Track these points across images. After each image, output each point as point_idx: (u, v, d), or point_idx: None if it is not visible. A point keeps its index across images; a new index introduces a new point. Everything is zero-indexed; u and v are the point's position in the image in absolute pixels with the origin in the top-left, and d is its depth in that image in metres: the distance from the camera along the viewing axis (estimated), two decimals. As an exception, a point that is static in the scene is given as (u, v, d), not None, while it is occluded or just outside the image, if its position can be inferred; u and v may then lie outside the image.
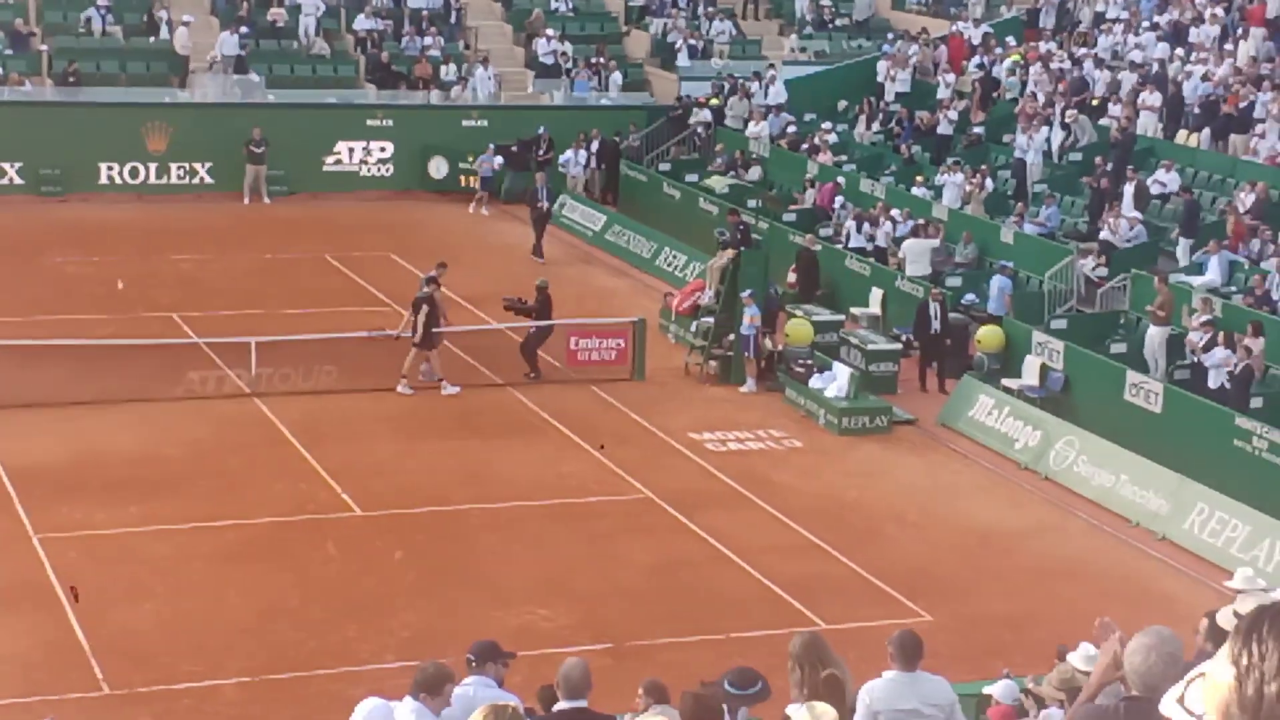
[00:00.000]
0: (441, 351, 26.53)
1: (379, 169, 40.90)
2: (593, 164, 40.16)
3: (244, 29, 42.54)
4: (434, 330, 26.06)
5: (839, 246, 32.33)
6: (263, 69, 42.02)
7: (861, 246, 32.12)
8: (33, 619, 17.86)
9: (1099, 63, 37.84)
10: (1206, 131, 33.44)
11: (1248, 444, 22.07)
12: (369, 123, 40.82)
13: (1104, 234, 30.15)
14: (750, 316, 26.73)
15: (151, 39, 42.31)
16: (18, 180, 38.27)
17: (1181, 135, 34.20)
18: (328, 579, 19.38)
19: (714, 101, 41.74)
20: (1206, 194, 31.94)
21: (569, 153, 39.47)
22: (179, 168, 39.34)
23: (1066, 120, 34.96)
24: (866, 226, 32.44)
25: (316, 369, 26.34)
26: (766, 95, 40.98)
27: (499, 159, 39.40)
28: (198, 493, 21.60)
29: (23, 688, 16.12)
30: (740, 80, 41.93)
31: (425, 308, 26.04)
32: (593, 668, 12.69)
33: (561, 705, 9.78)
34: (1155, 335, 25.98)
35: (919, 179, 34.81)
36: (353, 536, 20.62)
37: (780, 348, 27.27)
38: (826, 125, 38.87)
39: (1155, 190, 31.43)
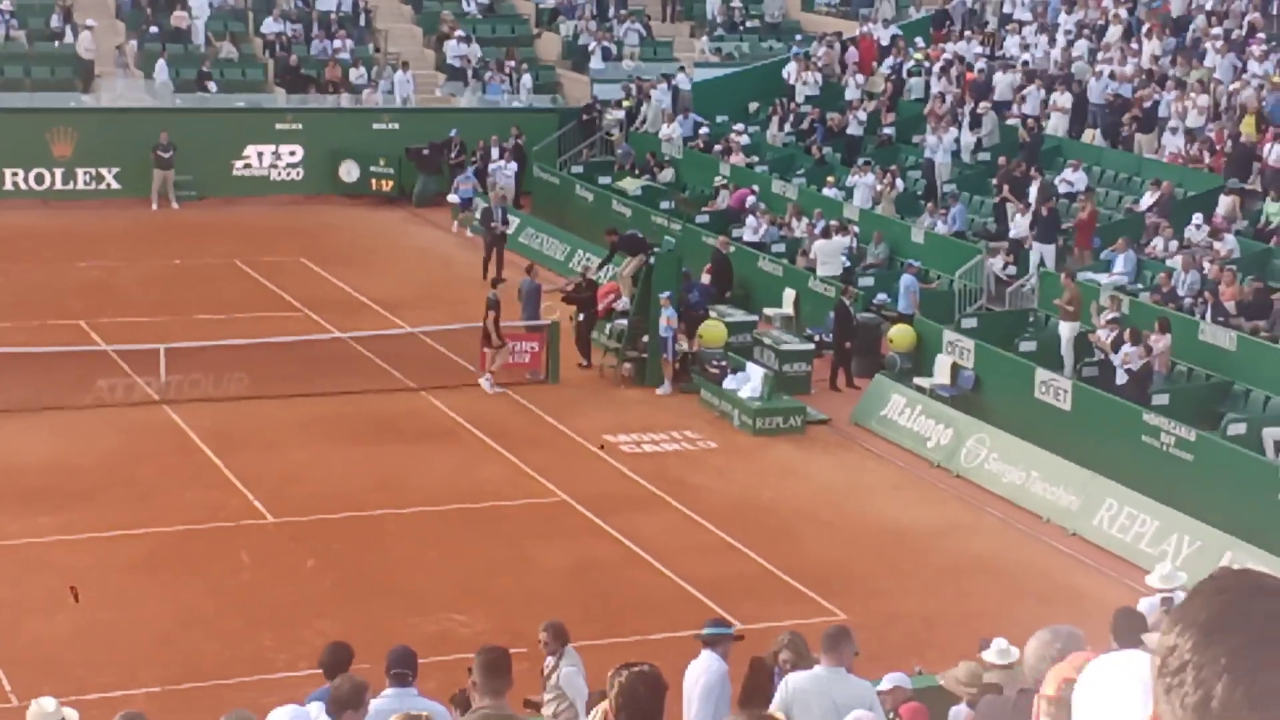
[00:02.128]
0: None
1: (289, 173, 40.64)
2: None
3: (153, 29, 42.19)
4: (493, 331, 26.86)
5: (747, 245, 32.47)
6: (170, 73, 41.63)
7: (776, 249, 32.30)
8: (-59, 632, 17.62)
9: (1006, 64, 38.22)
10: (1104, 131, 33.88)
11: (1155, 440, 22.37)
12: (278, 126, 40.55)
13: (1012, 232, 30.46)
14: (667, 318, 26.78)
15: (56, 44, 41.83)
16: (-79, 187, 37.73)
17: (1088, 135, 34.62)
18: (241, 587, 19.24)
19: (626, 103, 41.79)
20: (1112, 193, 32.35)
21: (499, 162, 38.50)
22: (85, 173, 38.92)
23: (979, 114, 35.29)
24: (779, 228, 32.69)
25: (227, 376, 26.15)
26: (675, 98, 41.06)
27: (474, 179, 38.08)
28: (109, 502, 21.39)
29: (-69, 702, 15.90)
30: (646, 83, 41.97)
31: (493, 312, 26.66)
32: (516, 671, 12.72)
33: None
34: (1065, 331, 26.28)
35: (830, 180, 35.02)
36: (266, 544, 20.48)
37: (694, 349, 27.34)
38: (739, 128, 39.00)
39: (1062, 189, 31.77)
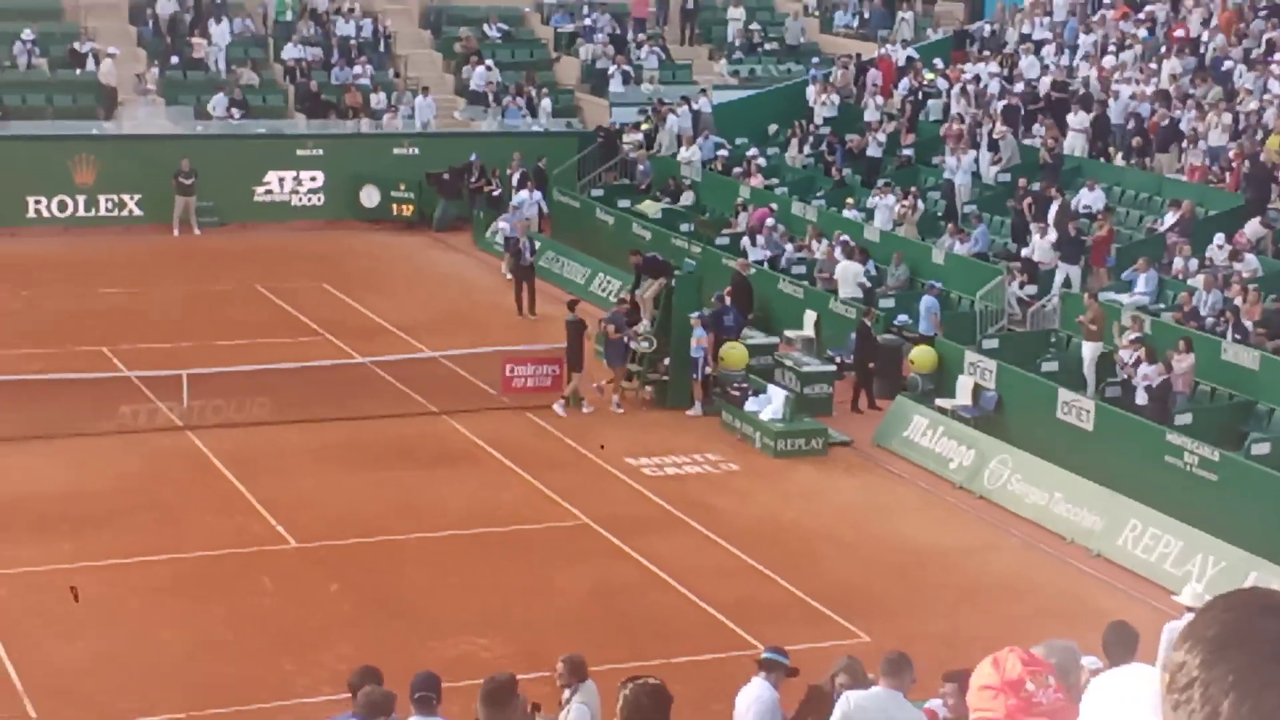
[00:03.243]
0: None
1: (310, 198, 40.74)
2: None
3: (174, 59, 42.39)
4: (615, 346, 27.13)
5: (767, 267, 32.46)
6: (191, 99, 41.80)
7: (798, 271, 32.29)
8: (-37, 659, 17.63)
9: (1027, 84, 38.18)
10: (1132, 150, 33.81)
11: (1179, 460, 22.27)
12: (299, 152, 40.65)
13: (1031, 252, 30.40)
14: (698, 339, 26.77)
15: (78, 71, 42.03)
16: (-56, 215, 37.90)
17: (1110, 154, 34.56)
18: (262, 612, 19.23)
19: (645, 126, 41.84)
20: (1134, 212, 32.27)
21: (522, 194, 37.69)
22: (107, 200, 39.05)
23: (995, 138, 35.27)
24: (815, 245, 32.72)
25: (249, 401, 26.18)
26: (696, 120, 41.11)
27: (515, 216, 36.15)
28: (130, 527, 21.40)
29: (-47, 729, 15.91)
30: (666, 105, 42.03)
31: (613, 326, 27.05)
32: (534, 696, 12.69)
33: None
34: (1087, 351, 26.20)
35: (850, 201, 35.00)
36: (287, 569, 20.47)
37: (715, 371, 27.31)
38: (753, 152, 39.01)
39: (1081, 210, 31.71)
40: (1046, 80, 37.71)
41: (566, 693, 12.82)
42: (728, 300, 30.22)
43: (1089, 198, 32.01)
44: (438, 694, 11.36)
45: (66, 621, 18.63)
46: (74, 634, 18.30)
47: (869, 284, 30.58)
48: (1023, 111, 36.47)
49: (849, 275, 30.53)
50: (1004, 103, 36.96)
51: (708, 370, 27.02)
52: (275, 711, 16.41)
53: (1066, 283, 29.11)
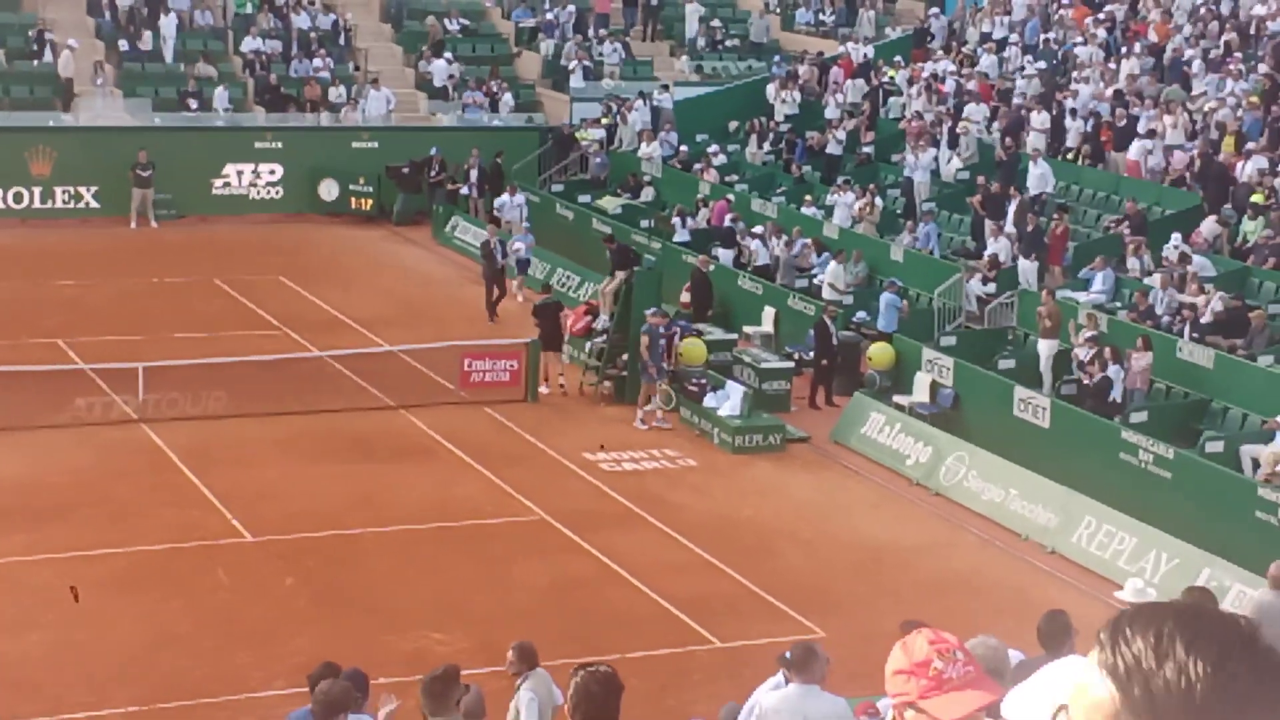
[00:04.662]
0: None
1: (269, 191, 40.59)
2: (474, 191, 39.65)
3: (130, 49, 42.15)
4: (649, 362, 26.09)
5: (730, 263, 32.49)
6: (148, 91, 41.58)
7: (765, 265, 32.28)
8: (-85, 651, 17.51)
9: (985, 82, 38.32)
10: (1088, 149, 33.97)
11: (1134, 457, 22.39)
12: (258, 145, 40.51)
13: (989, 250, 30.52)
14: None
15: (35, 63, 41.76)
16: (-102, 205, 37.61)
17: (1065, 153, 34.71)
18: (218, 606, 19.15)
19: (604, 121, 41.83)
20: (1090, 211, 32.42)
21: (504, 197, 37.12)
22: (64, 192, 38.81)
23: (958, 134, 35.39)
24: (774, 242, 32.59)
25: (205, 394, 26.06)
26: (656, 116, 41.12)
27: (530, 238, 34.82)
28: (85, 520, 21.29)
29: (-95, 722, 15.79)
30: (624, 101, 42.03)
31: (646, 339, 26.16)
32: (488, 691, 12.67)
33: None
34: (1044, 349, 26.31)
35: (808, 198, 35.06)
36: (243, 563, 20.40)
37: (673, 367, 27.32)
38: (714, 149, 39.03)
39: (1033, 192, 31.84)
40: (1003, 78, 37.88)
41: (518, 681, 12.82)
42: (684, 297, 30.36)
43: (1036, 175, 32.04)
44: (365, 691, 11.39)
45: (19, 614, 18.52)
46: (28, 626, 18.19)
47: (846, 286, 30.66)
48: (985, 110, 36.61)
49: (838, 276, 30.53)
50: (968, 102, 37.08)
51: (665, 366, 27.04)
52: (231, 705, 16.35)
53: (1027, 280, 29.21)
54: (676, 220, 34.59)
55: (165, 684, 16.94)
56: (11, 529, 20.87)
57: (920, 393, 26.38)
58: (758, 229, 33.39)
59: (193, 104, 41.21)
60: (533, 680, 12.68)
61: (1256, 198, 29.15)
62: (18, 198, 38.54)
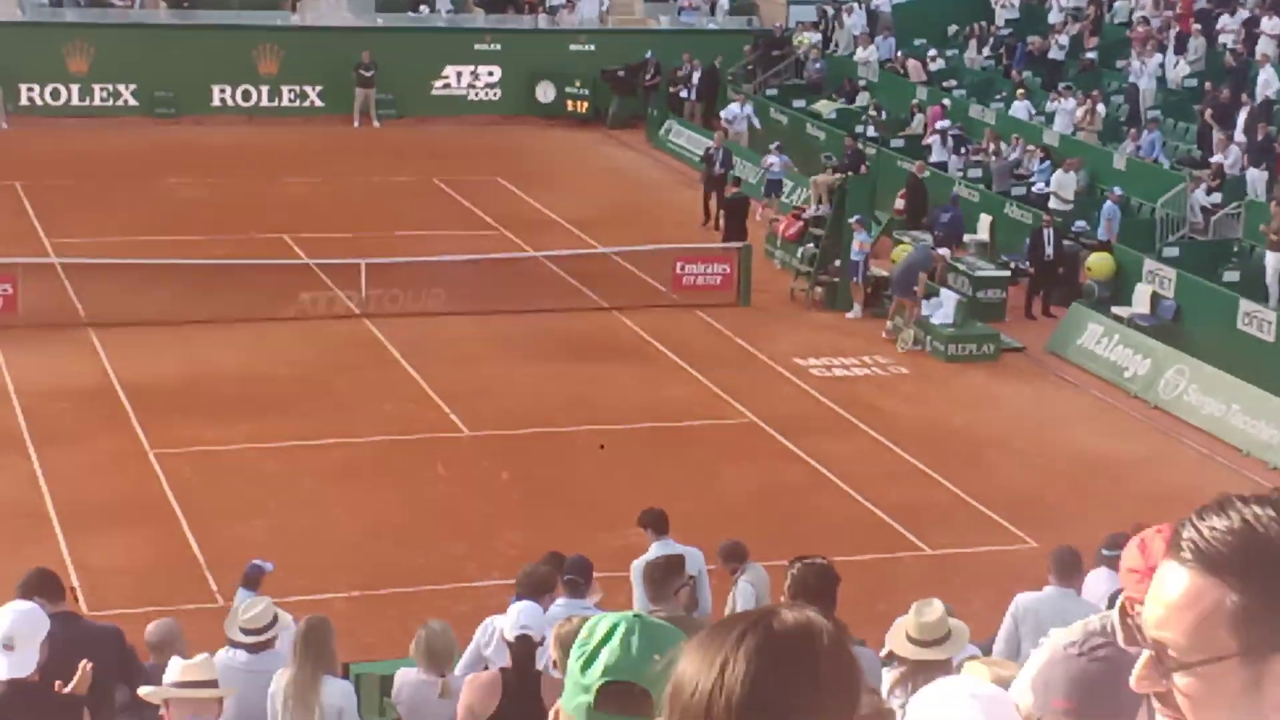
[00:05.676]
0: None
1: (486, 93, 41.00)
2: (694, 94, 39.46)
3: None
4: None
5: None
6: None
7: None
8: (149, 533, 18.24)
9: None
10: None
11: (1363, 375, 21.74)
12: (477, 47, 40.89)
13: (1216, 158, 29.67)
14: (860, 242, 26.61)
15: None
16: (132, 102, 38.77)
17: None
18: (435, 498, 19.62)
19: (819, 26, 41.37)
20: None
21: (734, 107, 36.68)
22: (290, 90, 39.65)
23: (1186, 37, 34.38)
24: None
25: (424, 291, 26.56)
26: (875, 20, 40.58)
27: (784, 157, 32.99)
28: (308, 412, 21.90)
29: (140, 598, 16.46)
30: (841, 4, 41.53)
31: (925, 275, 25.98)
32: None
33: None
34: (1271, 261, 25.58)
35: (1024, 100, 34.28)
36: (460, 457, 20.84)
37: (886, 274, 27.12)
38: (932, 53, 38.45)
39: (1264, 96, 30.85)
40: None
41: (735, 576, 13.00)
42: (898, 203, 30.04)
43: (1265, 82, 30.99)
44: (588, 579, 11.56)
45: (245, 501, 19.17)
46: (251, 513, 18.81)
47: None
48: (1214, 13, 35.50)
49: (1066, 185, 29.90)
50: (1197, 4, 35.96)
51: (874, 272, 26.86)
52: (447, 594, 16.76)
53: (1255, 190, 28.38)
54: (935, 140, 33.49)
55: (383, 571, 17.43)
56: (237, 418, 21.55)
57: (1140, 304, 25.86)
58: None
59: (421, 7, 41.71)
60: (750, 573, 12.86)
61: None
62: (245, 95, 39.46)
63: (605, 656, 2.55)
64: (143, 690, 8.22)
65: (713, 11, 43.25)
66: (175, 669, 8.08)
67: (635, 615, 2.64)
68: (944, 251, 27.42)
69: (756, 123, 36.60)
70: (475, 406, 22.30)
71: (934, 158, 32.65)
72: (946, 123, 33.92)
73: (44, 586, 9.38)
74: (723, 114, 36.97)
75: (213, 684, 8.12)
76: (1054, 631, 3.47)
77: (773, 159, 32.86)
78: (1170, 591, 2.18)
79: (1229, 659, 2.11)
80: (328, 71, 39.35)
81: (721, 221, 29.97)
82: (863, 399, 23.39)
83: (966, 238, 29.89)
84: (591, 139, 39.50)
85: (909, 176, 30.99)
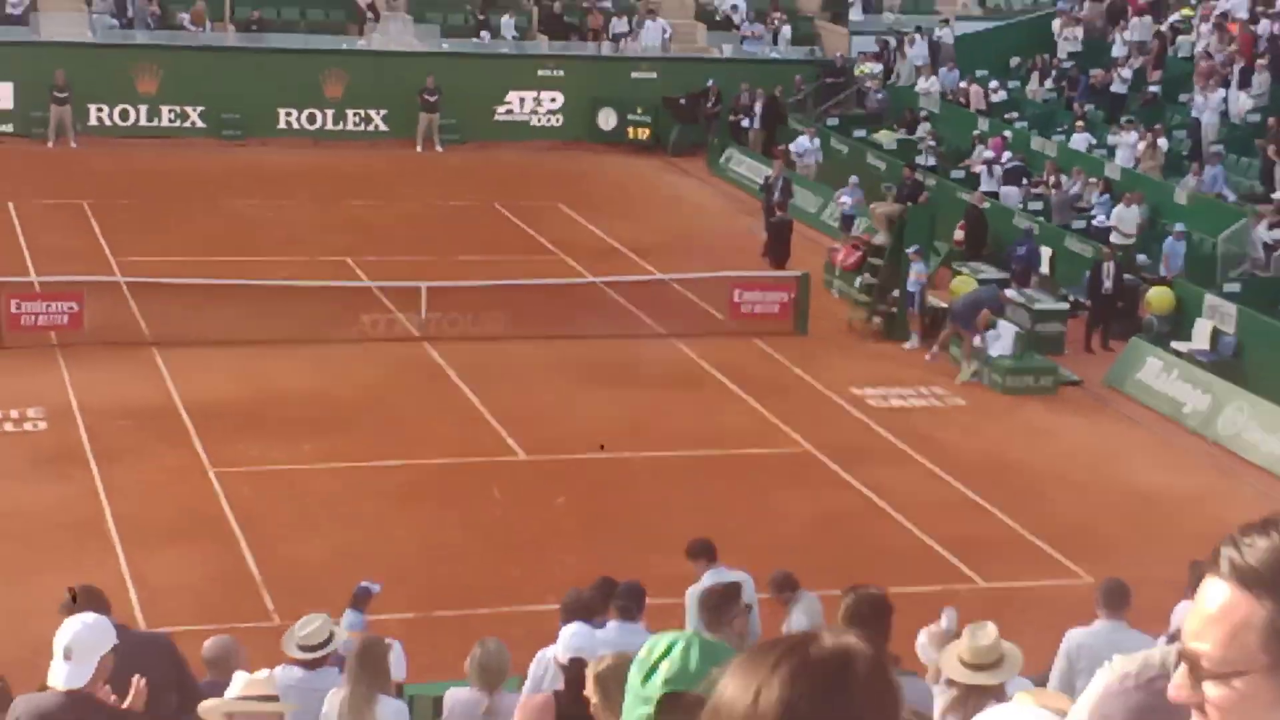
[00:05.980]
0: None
1: (549, 119, 41.25)
2: (756, 123, 39.59)
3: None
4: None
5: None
6: (437, 17, 42.53)
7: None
8: (208, 550, 18.44)
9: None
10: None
11: None
12: (540, 73, 41.16)
13: (1279, 194, 29.53)
14: (917, 273, 26.63)
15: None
16: (200, 124, 39.23)
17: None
18: (491, 520, 19.74)
19: (873, 65, 41.35)
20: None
21: (803, 140, 36.88)
22: (355, 114, 40.03)
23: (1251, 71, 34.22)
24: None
25: (484, 315, 26.74)
26: (937, 51, 40.61)
27: (859, 193, 32.58)
28: (368, 432, 22.09)
29: (197, 615, 16.64)
30: (902, 35, 41.61)
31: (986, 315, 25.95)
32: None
33: None
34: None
35: (1085, 132, 34.24)
36: (517, 480, 20.96)
37: (945, 305, 27.12)
38: (994, 85, 38.47)
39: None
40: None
41: (789, 605, 13.04)
42: (957, 234, 30.03)
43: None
44: (640, 605, 11.62)
45: (303, 520, 19.35)
46: (312, 533, 18.99)
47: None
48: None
49: (1127, 219, 29.80)
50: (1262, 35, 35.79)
51: (932, 303, 26.87)
52: (502, 616, 16.84)
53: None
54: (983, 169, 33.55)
55: (439, 592, 17.56)
56: (297, 438, 21.77)
57: (1200, 340, 25.76)
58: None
59: (483, 33, 42.03)
60: (804, 602, 12.91)
61: None
62: (311, 119, 39.86)
63: (665, 669, 2.65)
64: (203, 705, 8.34)
65: (775, 41, 43.38)
66: (239, 683, 8.21)
67: (693, 632, 2.75)
68: (1011, 293, 27.39)
69: (820, 156, 36.66)
70: (532, 430, 22.44)
71: (982, 187, 32.64)
72: (991, 153, 33.94)
73: (90, 603, 9.44)
74: (792, 147, 36.94)
75: (274, 699, 8.24)
76: (1115, 657, 3.53)
77: (846, 197, 32.66)
78: (1208, 604, 2.27)
79: (1259, 672, 2.19)
80: (392, 96, 39.71)
81: (764, 243, 30.14)
82: (919, 430, 23.39)
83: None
84: (652, 166, 39.67)
85: (968, 207, 30.99)
